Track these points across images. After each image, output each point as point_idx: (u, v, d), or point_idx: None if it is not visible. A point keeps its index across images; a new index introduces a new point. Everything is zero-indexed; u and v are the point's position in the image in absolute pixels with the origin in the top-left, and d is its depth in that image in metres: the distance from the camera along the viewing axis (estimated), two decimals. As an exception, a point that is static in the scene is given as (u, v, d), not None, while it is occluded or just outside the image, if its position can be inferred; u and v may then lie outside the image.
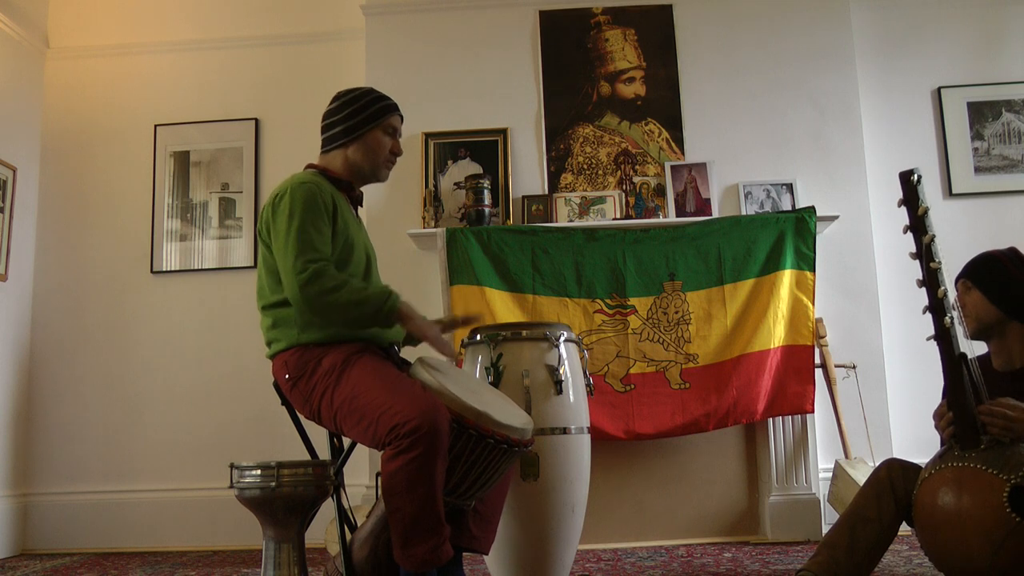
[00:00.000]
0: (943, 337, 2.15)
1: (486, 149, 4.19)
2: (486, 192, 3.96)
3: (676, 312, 3.77)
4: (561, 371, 2.66)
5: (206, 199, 4.47)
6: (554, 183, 4.18)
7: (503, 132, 4.20)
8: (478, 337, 2.73)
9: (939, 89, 4.33)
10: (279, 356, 2.26)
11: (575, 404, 2.69)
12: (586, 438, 2.74)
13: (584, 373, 2.78)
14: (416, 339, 2.44)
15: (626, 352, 3.75)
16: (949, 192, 4.26)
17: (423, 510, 1.95)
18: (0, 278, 4.15)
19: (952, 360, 2.14)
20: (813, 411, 3.71)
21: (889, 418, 3.93)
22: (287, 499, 2.06)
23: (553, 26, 4.31)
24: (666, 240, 3.81)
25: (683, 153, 4.18)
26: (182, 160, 4.51)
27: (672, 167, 4.13)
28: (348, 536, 2.25)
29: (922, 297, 2.19)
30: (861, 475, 3.42)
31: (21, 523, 4.21)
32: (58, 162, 4.55)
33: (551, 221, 4.04)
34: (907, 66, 4.36)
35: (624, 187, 4.16)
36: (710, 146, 4.18)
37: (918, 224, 2.19)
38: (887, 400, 3.94)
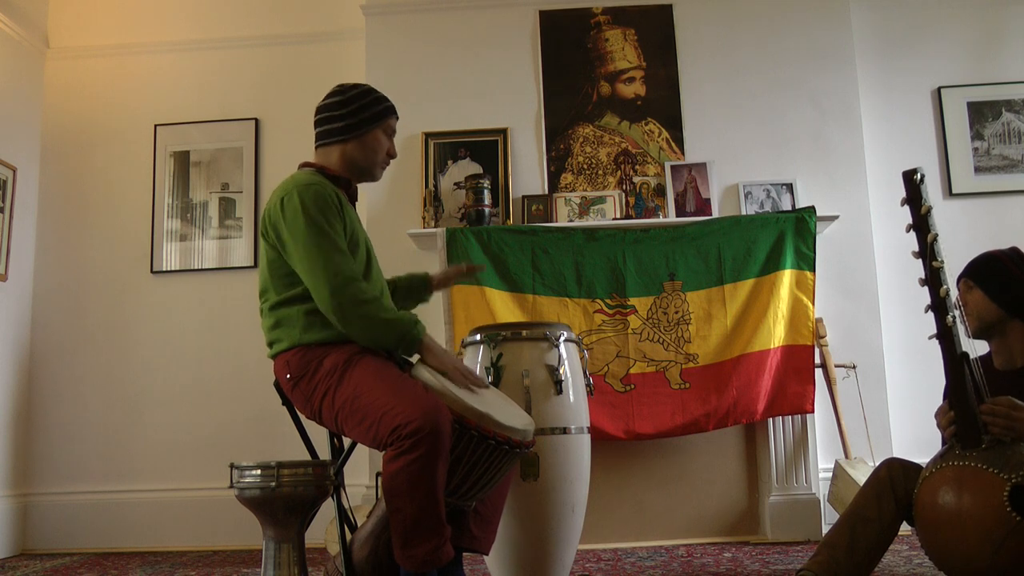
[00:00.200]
0: (945, 336, 2.16)
1: (486, 149, 4.19)
2: (486, 192, 3.96)
3: (676, 312, 3.77)
4: (561, 371, 2.65)
5: (206, 199, 4.47)
6: (554, 183, 4.18)
7: (503, 132, 4.20)
8: (478, 337, 2.73)
9: (939, 89, 4.33)
10: (281, 356, 2.25)
11: (575, 404, 2.69)
12: (586, 438, 2.74)
13: (584, 373, 2.78)
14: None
15: (626, 352, 3.75)
16: (949, 192, 4.26)
17: (424, 511, 1.95)
18: (0, 278, 4.15)
19: (954, 359, 2.15)
20: (813, 411, 3.71)
21: (889, 418, 3.93)
22: (287, 499, 2.06)
23: (553, 26, 4.31)
24: (666, 240, 3.81)
25: (683, 153, 4.18)
26: (182, 160, 4.50)
27: (672, 167, 4.13)
28: (348, 536, 2.25)
29: (922, 297, 2.20)
30: (861, 475, 3.42)
31: (21, 523, 4.21)
32: (58, 162, 4.55)
33: (551, 221, 4.04)
34: (907, 66, 4.36)
35: (624, 187, 4.15)
36: (710, 146, 4.18)
37: (921, 223, 2.20)
38: (887, 400, 3.95)
